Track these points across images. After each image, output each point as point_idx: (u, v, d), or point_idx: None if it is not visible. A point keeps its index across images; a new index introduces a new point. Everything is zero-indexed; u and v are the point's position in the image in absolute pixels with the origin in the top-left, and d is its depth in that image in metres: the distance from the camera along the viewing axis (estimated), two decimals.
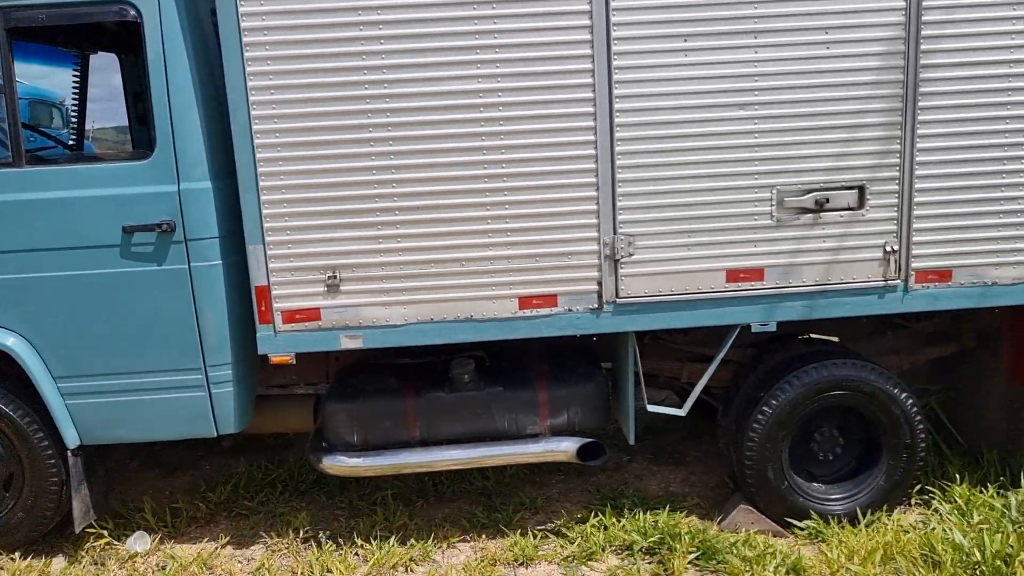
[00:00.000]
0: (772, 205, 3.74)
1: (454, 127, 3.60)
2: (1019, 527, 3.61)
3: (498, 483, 4.76)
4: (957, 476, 4.32)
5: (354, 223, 3.67)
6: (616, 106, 3.60)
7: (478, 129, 3.61)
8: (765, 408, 4.02)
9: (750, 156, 3.69)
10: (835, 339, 4.68)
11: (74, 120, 4.82)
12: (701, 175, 3.70)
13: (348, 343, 3.79)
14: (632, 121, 3.62)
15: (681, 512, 4.26)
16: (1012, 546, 3.46)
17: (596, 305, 3.81)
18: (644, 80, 3.59)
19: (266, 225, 3.65)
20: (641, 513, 4.20)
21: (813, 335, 4.62)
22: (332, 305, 3.75)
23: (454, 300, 3.75)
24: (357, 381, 4.17)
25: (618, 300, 3.80)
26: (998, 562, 3.39)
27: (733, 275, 3.81)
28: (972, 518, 3.89)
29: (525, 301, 3.79)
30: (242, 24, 3.46)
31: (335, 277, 3.71)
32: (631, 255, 3.75)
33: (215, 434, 3.93)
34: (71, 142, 4.93)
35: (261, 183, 3.61)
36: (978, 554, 3.46)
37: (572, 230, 3.73)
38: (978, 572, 3.41)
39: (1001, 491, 4.11)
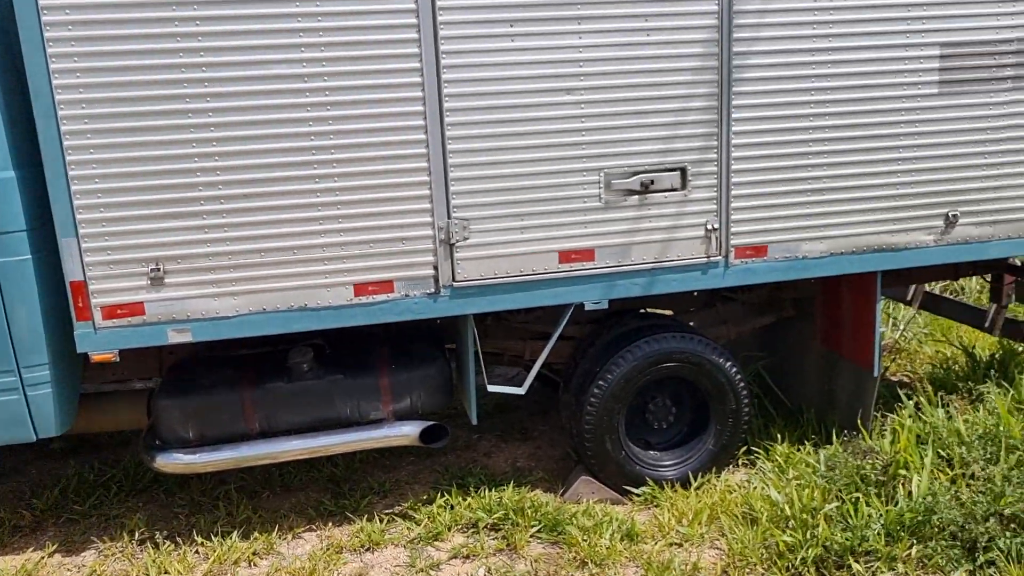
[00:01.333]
0: (600, 187, 3.86)
1: (279, 112, 3.50)
2: (826, 481, 3.93)
3: (347, 469, 4.74)
4: (779, 436, 4.65)
5: (177, 212, 3.52)
6: (445, 91, 3.60)
7: (305, 114, 3.53)
8: (601, 382, 4.18)
9: (578, 140, 3.79)
10: (669, 313, 4.92)
11: None
12: (531, 159, 3.77)
13: (176, 337, 3.65)
14: (461, 106, 3.64)
15: (526, 487, 4.38)
16: (816, 499, 3.76)
17: (433, 289, 3.82)
18: (472, 65, 3.61)
19: (79, 217, 3.44)
20: (487, 490, 4.29)
21: (649, 310, 4.84)
22: (157, 298, 3.59)
23: (287, 289, 3.67)
24: (190, 374, 4.03)
25: (455, 284, 3.83)
26: (805, 515, 3.68)
27: (565, 256, 3.91)
28: (788, 475, 4.20)
29: (361, 288, 3.75)
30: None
31: (159, 269, 3.55)
32: (466, 239, 3.78)
33: (35, 439, 3.70)
34: None
35: (71, 172, 3.39)
36: (788, 509, 3.74)
37: (406, 215, 3.72)
38: (789, 525, 3.69)
39: (816, 448, 4.46)
